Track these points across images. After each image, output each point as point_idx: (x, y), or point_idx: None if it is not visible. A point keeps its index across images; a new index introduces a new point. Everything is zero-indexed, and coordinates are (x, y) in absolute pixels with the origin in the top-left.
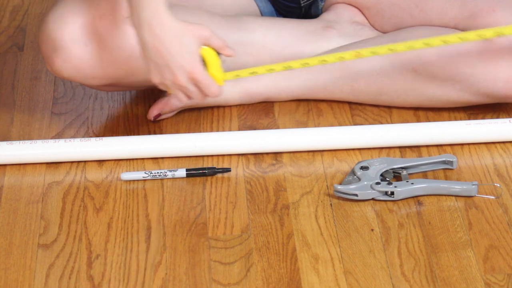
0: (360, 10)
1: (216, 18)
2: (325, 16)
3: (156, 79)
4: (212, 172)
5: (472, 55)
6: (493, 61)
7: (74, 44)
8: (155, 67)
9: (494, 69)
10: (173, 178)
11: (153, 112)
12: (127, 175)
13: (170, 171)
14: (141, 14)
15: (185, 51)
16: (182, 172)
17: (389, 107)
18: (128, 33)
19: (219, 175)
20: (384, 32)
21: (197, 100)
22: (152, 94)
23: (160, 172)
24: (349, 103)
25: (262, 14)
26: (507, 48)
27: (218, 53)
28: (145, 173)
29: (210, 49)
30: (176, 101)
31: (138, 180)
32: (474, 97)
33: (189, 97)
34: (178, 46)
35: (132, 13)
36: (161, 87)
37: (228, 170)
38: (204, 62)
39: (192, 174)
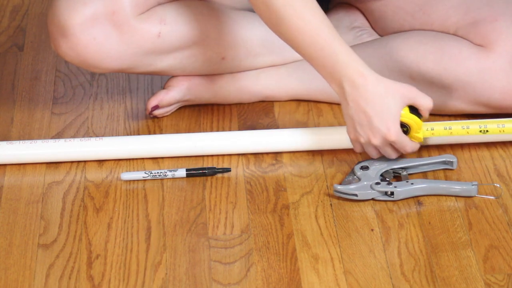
0: (363, 13)
1: (223, 15)
2: None
3: (351, 135)
4: (212, 172)
5: (469, 64)
6: (490, 70)
7: (82, 35)
8: (351, 123)
9: (491, 78)
10: (173, 178)
11: (152, 103)
12: (127, 175)
13: (170, 171)
14: (342, 73)
15: (385, 112)
16: (182, 172)
17: None
18: (137, 31)
19: (219, 175)
20: (382, 35)
21: (390, 157)
22: (152, 92)
23: (160, 172)
24: None
25: None
26: (505, 58)
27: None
28: (145, 173)
29: (411, 114)
30: (175, 93)
31: (138, 180)
32: (471, 107)
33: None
34: (379, 107)
35: (330, 72)
36: (354, 145)
37: (228, 170)
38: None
39: (192, 174)
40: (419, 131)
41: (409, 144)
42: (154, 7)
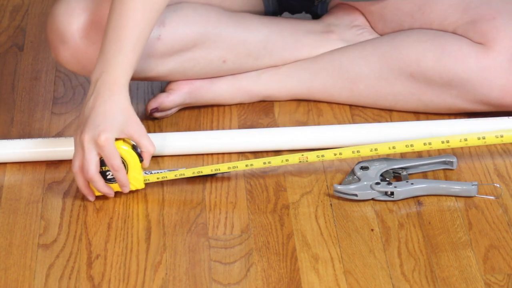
0: (363, 13)
1: (224, 17)
2: (326, 19)
3: (74, 128)
4: None
5: (469, 62)
6: (490, 68)
7: (82, 41)
8: (79, 118)
9: (490, 76)
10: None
11: (152, 105)
12: None
13: (170, 171)
14: (102, 75)
15: (109, 119)
16: None
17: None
18: None
19: (219, 175)
20: (382, 35)
21: (79, 183)
22: (152, 93)
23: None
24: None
25: (265, 7)
26: (504, 55)
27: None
28: (145, 173)
29: (133, 152)
30: (175, 97)
31: None
32: (470, 104)
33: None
34: (109, 113)
35: (96, 68)
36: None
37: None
38: (125, 163)
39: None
40: (139, 173)
41: (116, 161)
42: None
